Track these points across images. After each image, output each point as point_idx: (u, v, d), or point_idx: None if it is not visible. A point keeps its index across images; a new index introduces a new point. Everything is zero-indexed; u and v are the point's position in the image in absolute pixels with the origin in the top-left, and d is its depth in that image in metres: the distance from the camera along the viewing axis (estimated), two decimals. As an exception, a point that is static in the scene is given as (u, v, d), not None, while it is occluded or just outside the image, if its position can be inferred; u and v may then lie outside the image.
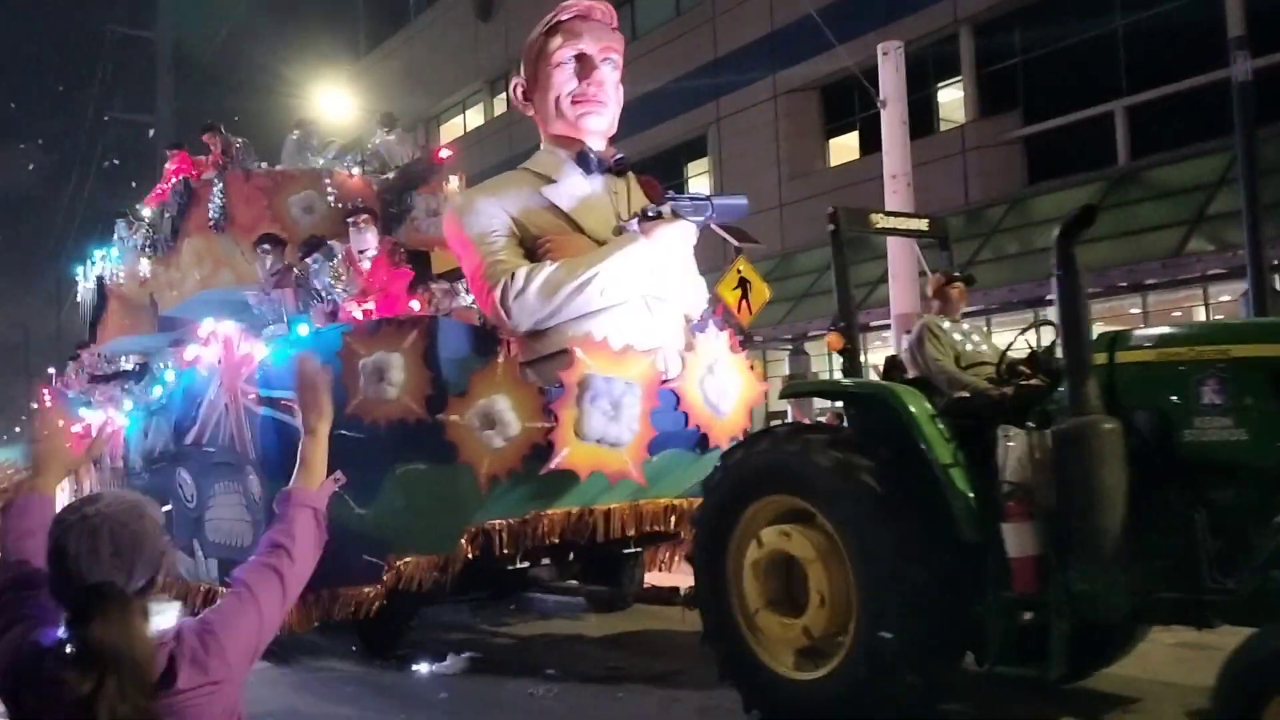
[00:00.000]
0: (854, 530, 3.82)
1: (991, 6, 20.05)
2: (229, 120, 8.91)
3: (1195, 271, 15.67)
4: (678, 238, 5.58)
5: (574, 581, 7.35)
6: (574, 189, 5.76)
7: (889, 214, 4.77)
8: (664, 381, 5.59)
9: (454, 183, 8.18)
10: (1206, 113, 16.03)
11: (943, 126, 21.56)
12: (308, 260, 6.64)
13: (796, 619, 4.10)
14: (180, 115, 32.07)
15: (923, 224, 4.97)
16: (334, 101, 19.76)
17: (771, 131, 22.95)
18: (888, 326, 13.56)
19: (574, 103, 5.78)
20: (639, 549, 6.88)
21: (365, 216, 6.51)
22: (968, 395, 4.11)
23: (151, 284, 9.69)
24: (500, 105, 32.84)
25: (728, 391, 5.82)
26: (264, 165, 8.36)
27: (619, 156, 5.86)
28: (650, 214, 5.60)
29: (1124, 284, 16.20)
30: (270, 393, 6.29)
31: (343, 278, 6.32)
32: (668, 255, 5.59)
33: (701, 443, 5.87)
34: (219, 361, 6.89)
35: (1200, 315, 16.76)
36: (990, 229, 19.00)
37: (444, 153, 7.72)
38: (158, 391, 7.94)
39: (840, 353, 4.39)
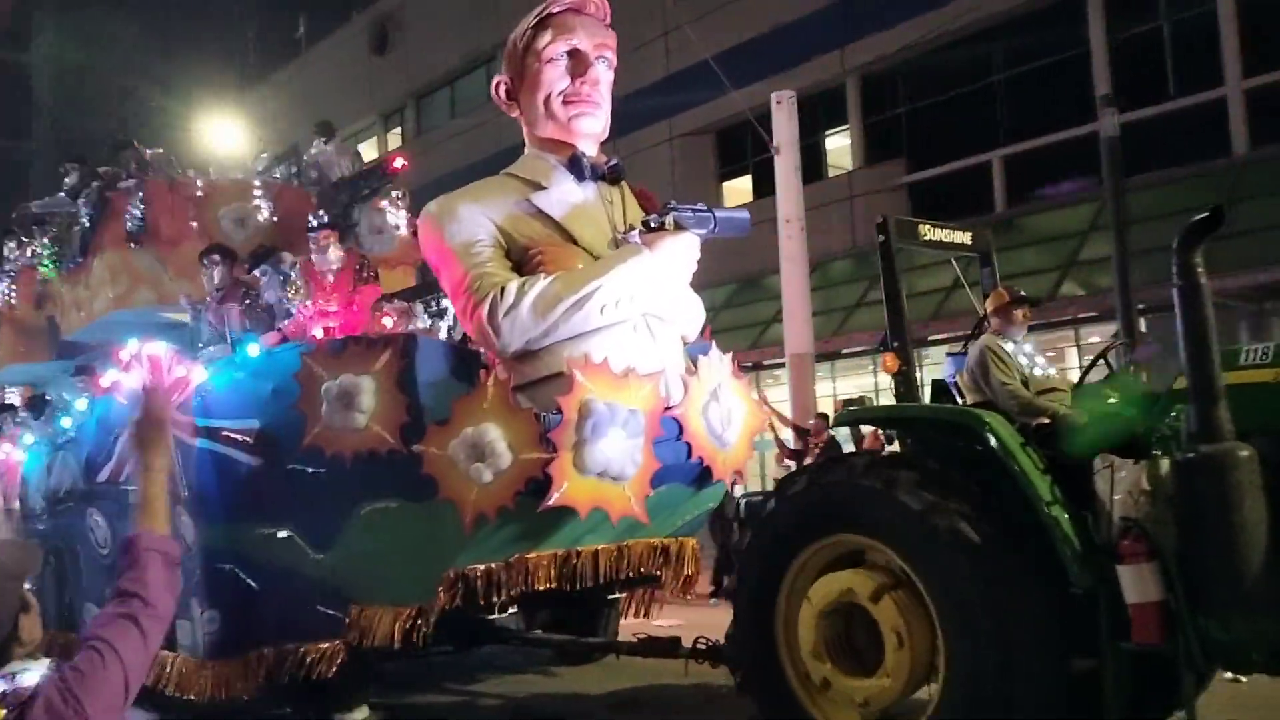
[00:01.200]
0: (945, 580, 3.34)
1: (877, 59, 21.10)
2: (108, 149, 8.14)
3: (1068, 314, 16.67)
4: (683, 251, 5.09)
5: (539, 632, 6.70)
6: (566, 196, 5.22)
7: (935, 225, 4.37)
8: (666, 409, 5.05)
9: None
10: (1078, 164, 17.14)
11: (831, 172, 22.54)
12: (256, 274, 5.92)
13: (863, 677, 3.60)
14: (59, 146, 30.48)
15: (966, 238, 4.59)
16: (222, 132, 18.96)
17: (668, 173, 23.50)
18: (781, 366, 14.07)
19: (566, 103, 5.25)
20: (616, 595, 6.30)
21: (327, 233, 5.83)
22: (1048, 421, 3.70)
23: (51, 305, 8.77)
24: (394, 140, 32.33)
25: (732, 420, 5.32)
26: (190, 172, 7.59)
27: (614, 163, 5.35)
28: (652, 225, 5.10)
29: (999, 326, 16.91)
30: (209, 422, 5.54)
31: (300, 292, 5.63)
32: (672, 270, 5.09)
33: (701, 477, 5.36)
34: (144, 387, 6.09)
35: (1072, 357, 17.89)
36: (876, 271, 19.70)
37: (398, 162, 7.06)
38: (66, 423, 7.05)
39: (895, 376, 3.95)
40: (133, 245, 7.38)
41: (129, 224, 7.33)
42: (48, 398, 7.91)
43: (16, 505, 7.78)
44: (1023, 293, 4.26)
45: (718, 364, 5.36)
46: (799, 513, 3.86)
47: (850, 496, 3.63)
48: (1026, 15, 19.90)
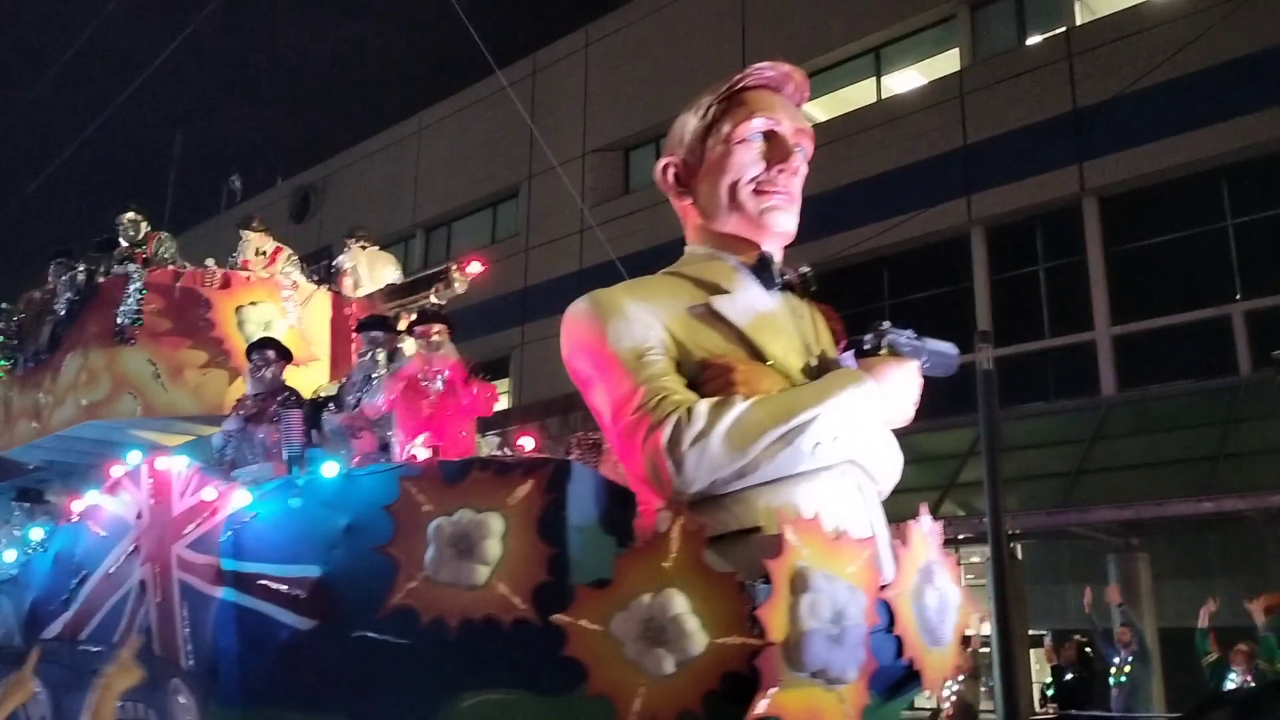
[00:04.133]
0: None
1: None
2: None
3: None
4: (908, 384, 4.00)
5: None
6: (753, 303, 4.11)
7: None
8: (881, 588, 3.82)
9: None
10: (957, 389, 18.21)
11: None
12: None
13: None
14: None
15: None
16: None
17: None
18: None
19: (758, 192, 4.21)
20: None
21: (440, 327, 4.61)
22: None
23: None
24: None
25: (947, 612, 4.08)
26: (209, 262, 6.32)
27: (806, 270, 4.29)
28: (866, 346, 4.02)
29: (886, 540, 18.16)
30: (241, 566, 4.10)
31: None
32: (895, 407, 3.96)
33: (897, 685, 4.07)
34: (138, 515, 4.63)
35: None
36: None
37: (474, 265, 5.90)
38: (8, 557, 5.44)
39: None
40: (119, 342, 5.98)
41: (122, 317, 5.96)
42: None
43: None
44: None
45: (930, 534, 4.16)
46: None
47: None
48: (918, 249, 21.60)
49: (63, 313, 6.37)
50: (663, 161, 4.44)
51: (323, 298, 6.48)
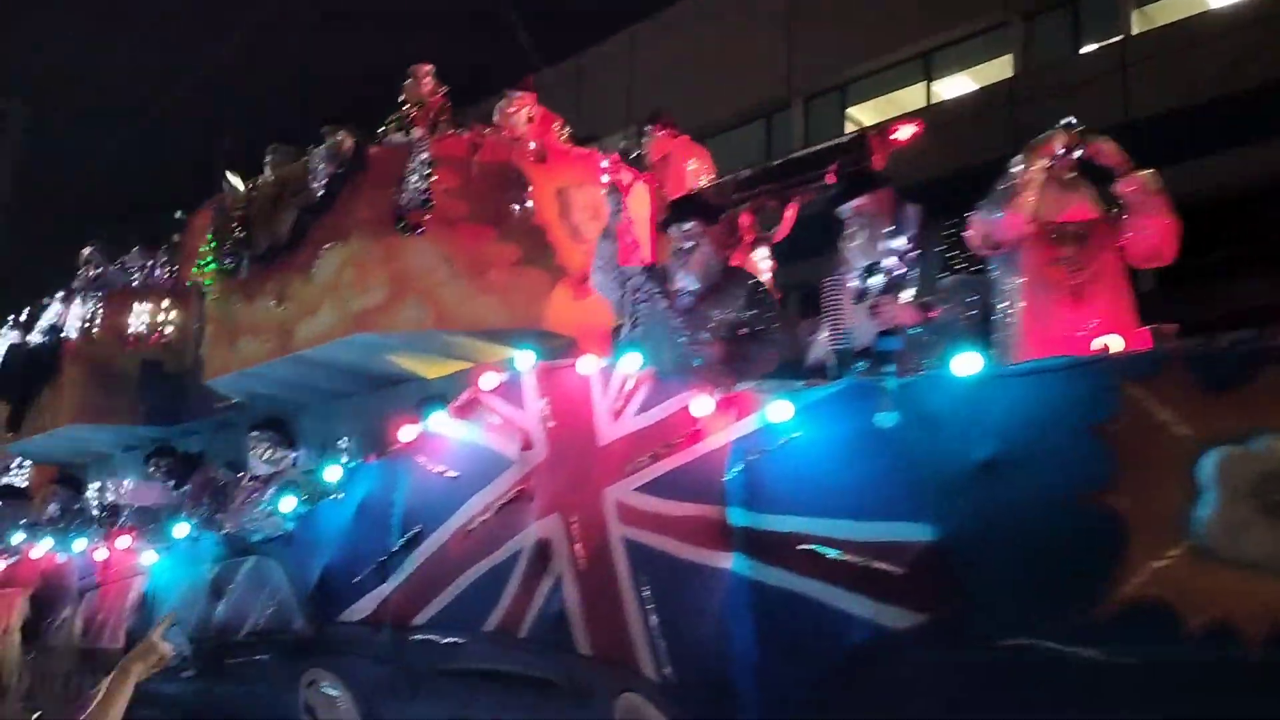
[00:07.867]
0: None
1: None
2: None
3: None
4: None
5: None
6: None
7: None
8: None
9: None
10: None
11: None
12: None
13: None
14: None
15: None
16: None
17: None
18: None
19: None
20: None
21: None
22: None
23: (179, 331, 5.92)
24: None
25: None
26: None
27: None
28: None
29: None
30: (765, 522, 2.56)
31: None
32: None
33: None
34: (525, 445, 3.10)
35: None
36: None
37: (904, 131, 4.34)
38: (286, 505, 3.92)
39: None
40: (405, 229, 4.48)
41: (404, 196, 4.47)
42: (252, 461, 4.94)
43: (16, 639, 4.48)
44: None
45: None
46: None
47: None
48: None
49: (319, 194, 4.80)
50: None
51: (642, 190, 4.94)
